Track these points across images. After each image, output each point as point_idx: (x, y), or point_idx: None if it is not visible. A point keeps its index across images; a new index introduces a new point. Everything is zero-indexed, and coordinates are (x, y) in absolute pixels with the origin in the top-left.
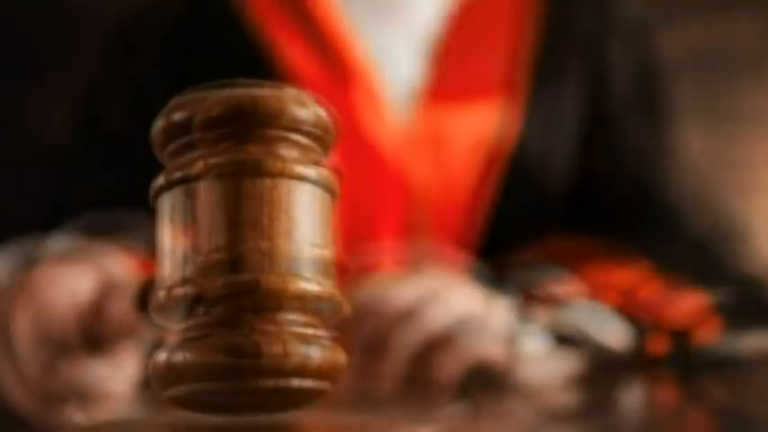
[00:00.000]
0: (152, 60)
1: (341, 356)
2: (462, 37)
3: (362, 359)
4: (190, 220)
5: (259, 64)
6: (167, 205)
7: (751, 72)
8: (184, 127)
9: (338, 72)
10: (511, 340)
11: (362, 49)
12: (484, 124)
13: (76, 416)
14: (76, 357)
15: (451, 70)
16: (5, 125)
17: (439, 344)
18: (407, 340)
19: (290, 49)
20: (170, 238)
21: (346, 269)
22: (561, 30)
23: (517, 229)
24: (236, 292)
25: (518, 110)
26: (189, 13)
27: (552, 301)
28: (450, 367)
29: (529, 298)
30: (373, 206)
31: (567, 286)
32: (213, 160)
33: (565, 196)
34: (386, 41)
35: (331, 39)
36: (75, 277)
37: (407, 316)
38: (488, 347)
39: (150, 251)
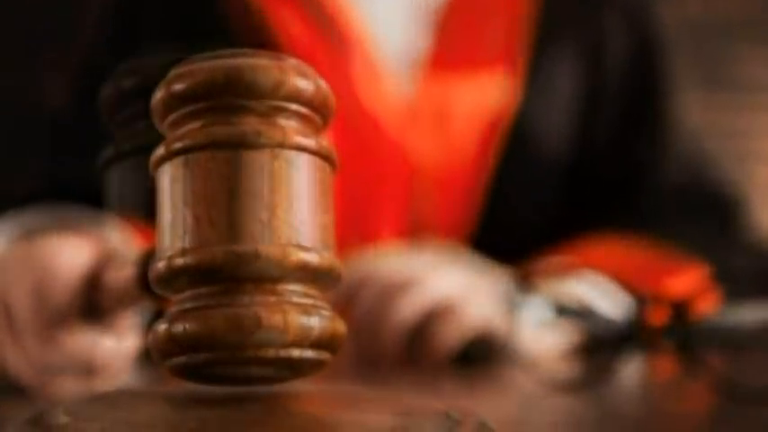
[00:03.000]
0: (151, 31)
1: (341, 327)
2: (463, 5)
3: (361, 331)
4: (189, 190)
5: (254, 34)
6: (167, 176)
7: (749, 42)
8: (184, 97)
9: (335, 42)
10: (509, 312)
11: (360, 17)
12: (485, 94)
13: (76, 387)
14: (75, 329)
15: (452, 40)
16: (5, 96)
17: (438, 314)
18: (407, 309)
19: (286, 19)
20: (170, 209)
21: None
22: (560, 1)
23: (517, 201)
24: (235, 263)
25: (518, 80)
26: None
27: (552, 273)
28: (448, 337)
29: (528, 270)
30: (374, 179)
31: (566, 259)
32: (213, 130)
33: (564, 168)
34: (384, 10)
35: (328, 7)
36: (74, 248)
37: (407, 287)
38: (487, 319)
39: (151, 222)
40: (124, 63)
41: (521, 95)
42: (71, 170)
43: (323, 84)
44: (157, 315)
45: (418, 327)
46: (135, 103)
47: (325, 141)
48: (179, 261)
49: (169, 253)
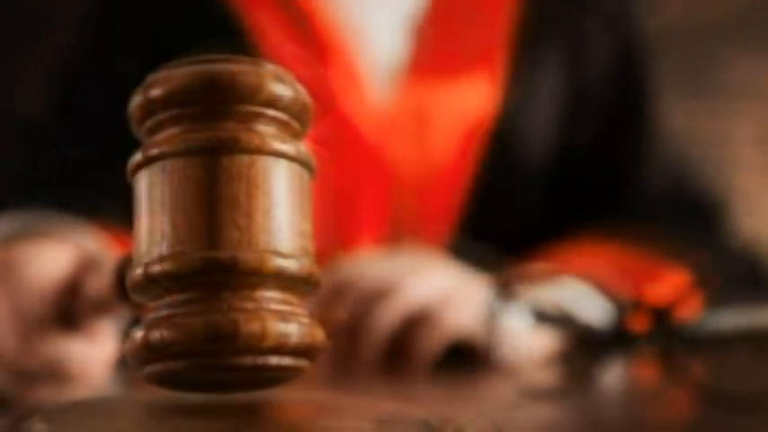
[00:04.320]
0: (126, 35)
1: (320, 334)
2: (446, 12)
3: (340, 338)
4: (167, 197)
5: (236, 40)
6: (144, 182)
7: (731, 48)
8: (161, 103)
9: (316, 49)
10: (490, 318)
11: (343, 25)
12: (468, 100)
13: (53, 394)
14: (52, 335)
15: (435, 46)
16: None
17: (417, 321)
18: (385, 318)
19: (268, 26)
20: (147, 216)
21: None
22: (542, 7)
23: (501, 205)
24: (213, 270)
25: (501, 85)
26: None
27: (534, 279)
28: (428, 344)
29: (509, 275)
30: (354, 186)
31: (548, 264)
32: (190, 136)
33: (547, 172)
34: (369, 17)
35: (307, 11)
36: (51, 254)
37: (385, 294)
38: (467, 325)
39: (128, 228)
40: (152, 73)
41: (504, 100)
42: (46, 174)
43: (301, 89)
44: (135, 322)
45: (399, 334)
46: (162, 111)
47: (304, 147)
48: (156, 268)
49: (146, 260)
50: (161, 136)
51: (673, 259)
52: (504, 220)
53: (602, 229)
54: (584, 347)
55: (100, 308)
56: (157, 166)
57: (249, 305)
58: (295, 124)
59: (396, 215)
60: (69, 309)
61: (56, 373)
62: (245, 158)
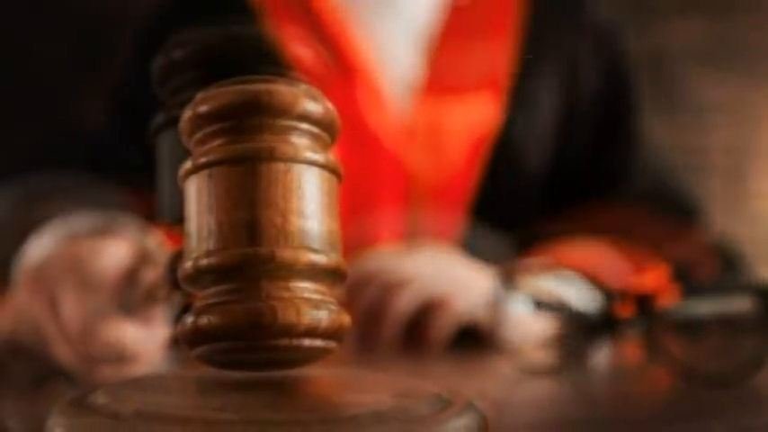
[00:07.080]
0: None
1: (346, 319)
2: (455, 32)
3: (363, 322)
4: (213, 199)
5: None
6: (194, 187)
7: (704, 68)
8: (208, 118)
9: (341, 67)
10: (495, 304)
11: (364, 44)
12: (474, 114)
13: (114, 373)
14: (113, 321)
15: (445, 65)
16: (48, 121)
17: (431, 307)
18: (403, 304)
19: (296, 45)
20: (196, 216)
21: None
22: (540, 33)
23: (503, 207)
24: (254, 263)
25: (503, 100)
26: (207, 8)
27: (533, 271)
28: (440, 328)
29: (512, 268)
30: (376, 189)
31: (546, 258)
32: (234, 147)
33: (543, 176)
34: (386, 36)
35: (335, 35)
36: (113, 249)
37: (403, 284)
38: (474, 310)
39: (179, 227)
40: (176, 35)
41: (505, 114)
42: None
43: (330, 106)
44: (185, 309)
45: (414, 319)
46: (185, 72)
47: (332, 156)
48: (204, 261)
49: (195, 254)
50: (208, 146)
51: (654, 254)
52: (507, 217)
53: (593, 226)
54: (577, 331)
55: (154, 297)
56: (205, 173)
57: (285, 294)
58: (325, 136)
59: (412, 215)
60: (128, 297)
61: (116, 354)
62: (281, 166)
